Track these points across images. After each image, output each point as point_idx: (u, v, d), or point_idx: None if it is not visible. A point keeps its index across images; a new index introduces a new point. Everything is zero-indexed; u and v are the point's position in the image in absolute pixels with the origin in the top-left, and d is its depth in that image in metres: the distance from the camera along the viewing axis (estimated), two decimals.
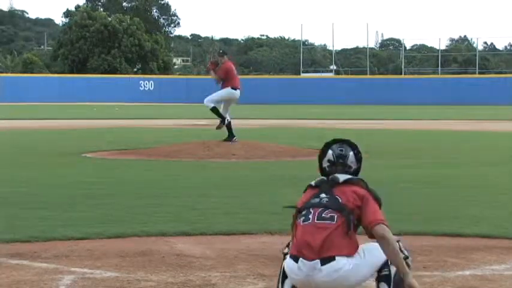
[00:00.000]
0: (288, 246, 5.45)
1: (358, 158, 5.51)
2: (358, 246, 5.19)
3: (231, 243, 8.26)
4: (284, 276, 5.31)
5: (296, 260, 5.15)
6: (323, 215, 5.18)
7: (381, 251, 5.22)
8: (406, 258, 5.32)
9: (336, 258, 5.08)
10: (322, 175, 5.48)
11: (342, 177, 5.36)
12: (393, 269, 5.27)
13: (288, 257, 5.26)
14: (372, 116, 44.50)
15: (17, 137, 25.92)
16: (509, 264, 7.42)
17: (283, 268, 5.31)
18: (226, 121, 19.17)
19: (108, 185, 12.89)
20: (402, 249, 5.34)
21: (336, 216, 5.16)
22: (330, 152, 5.49)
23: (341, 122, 37.67)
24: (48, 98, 70.95)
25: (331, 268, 5.06)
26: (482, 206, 10.80)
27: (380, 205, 5.34)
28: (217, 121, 19.57)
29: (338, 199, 5.23)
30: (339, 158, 5.45)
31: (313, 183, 5.43)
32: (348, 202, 5.22)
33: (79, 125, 34.24)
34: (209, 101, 19.25)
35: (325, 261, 5.07)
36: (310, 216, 5.20)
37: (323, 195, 5.29)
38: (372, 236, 5.25)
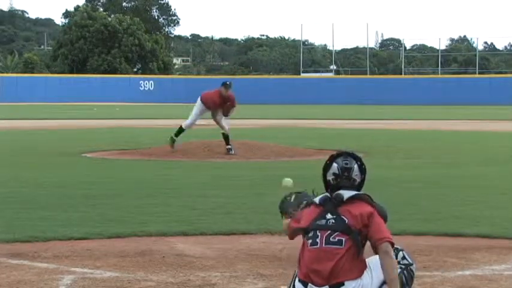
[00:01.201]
0: None
1: (362, 170, 5.49)
2: (366, 265, 5.19)
3: (231, 243, 8.26)
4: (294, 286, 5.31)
5: (305, 285, 5.15)
6: (331, 239, 5.14)
7: None
8: (410, 265, 5.34)
9: (345, 283, 5.09)
10: (326, 188, 5.45)
11: (346, 194, 5.30)
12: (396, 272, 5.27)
13: (297, 278, 5.22)
14: (372, 116, 44.52)
15: (17, 137, 25.92)
16: (509, 264, 7.42)
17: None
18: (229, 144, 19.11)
19: (107, 185, 12.89)
20: (406, 257, 5.37)
21: (344, 240, 5.13)
22: (334, 165, 5.45)
23: (341, 122, 37.68)
24: (48, 98, 70.99)
25: None
26: (482, 206, 10.80)
27: (385, 220, 5.34)
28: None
29: (345, 220, 5.18)
30: (344, 171, 5.41)
31: (316, 201, 5.37)
32: (355, 222, 5.18)
33: (79, 125, 34.25)
34: (228, 125, 19.13)
35: (334, 287, 5.08)
36: (318, 241, 5.16)
37: (329, 215, 5.22)
38: (377, 251, 5.27)
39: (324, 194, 5.38)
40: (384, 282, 5.22)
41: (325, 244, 5.14)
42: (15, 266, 7.17)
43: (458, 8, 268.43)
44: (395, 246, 5.36)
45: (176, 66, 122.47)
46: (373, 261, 5.26)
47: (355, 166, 5.44)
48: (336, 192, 5.32)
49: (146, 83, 79.15)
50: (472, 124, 35.62)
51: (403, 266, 5.34)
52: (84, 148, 20.38)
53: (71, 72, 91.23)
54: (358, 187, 5.41)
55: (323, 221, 5.22)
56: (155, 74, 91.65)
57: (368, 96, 71.23)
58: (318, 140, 23.35)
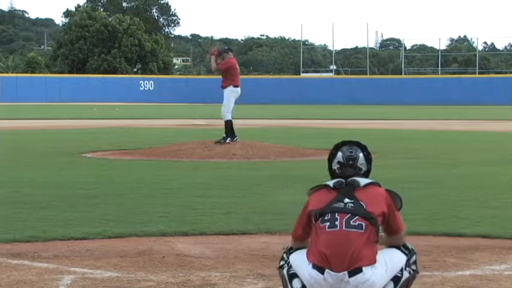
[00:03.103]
0: (283, 258, 5.39)
1: (368, 160, 5.44)
2: (377, 252, 5.18)
3: (231, 243, 8.26)
4: (291, 278, 5.27)
5: (321, 270, 5.06)
6: (351, 223, 5.08)
7: (399, 258, 5.27)
8: (416, 272, 5.33)
9: (363, 269, 5.04)
10: (332, 177, 5.42)
11: (362, 181, 5.27)
12: (405, 274, 5.27)
13: (309, 264, 5.12)
14: (372, 116, 44.52)
15: (17, 137, 25.92)
16: (509, 264, 7.41)
17: (290, 274, 5.27)
18: (229, 140, 19.05)
19: (108, 185, 12.88)
20: (417, 263, 5.37)
21: (364, 225, 5.08)
22: (339, 154, 5.39)
23: (341, 122, 37.68)
24: (48, 98, 71.00)
25: (358, 280, 5.03)
26: (482, 206, 10.79)
27: (402, 204, 5.34)
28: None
29: (363, 205, 5.14)
30: (349, 160, 5.36)
31: (330, 184, 5.30)
32: (374, 209, 5.15)
33: (79, 125, 34.25)
34: (228, 112, 19.11)
35: (352, 273, 5.02)
36: (337, 223, 5.08)
37: (347, 199, 5.16)
38: (389, 234, 5.34)
39: (337, 179, 5.31)
40: (392, 279, 5.21)
41: (346, 227, 5.06)
42: (15, 266, 7.17)
43: (458, 8, 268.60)
44: (411, 247, 5.38)
45: (176, 66, 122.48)
46: (389, 256, 5.24)
47: (361, 155, 5.40)
48: (352, 178, 5.28)
49: (146, 83, 79.16)
50: (471, 124, 35.61)
51: (411, 271, 5.33)
52: (84, 148, 20.37)
53: (71, 72, 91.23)
54: (365, 177, 5.38)
55: (341, 204, 5.15)
56: (155, 74, 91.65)
57: (368, 96, 71.25)
58: (318, 140, 23.34)
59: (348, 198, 5.18)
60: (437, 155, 19.05)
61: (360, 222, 5.08)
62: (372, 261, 5.07)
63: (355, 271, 5.02)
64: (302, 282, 5.23)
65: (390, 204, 5.26)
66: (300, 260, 5.23)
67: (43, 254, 7.67)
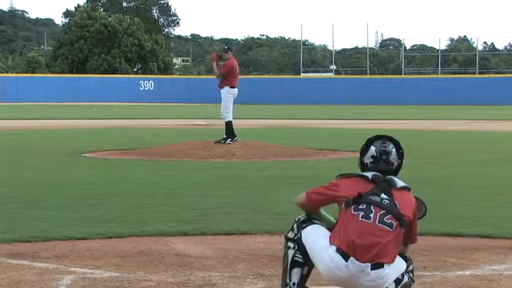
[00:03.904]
0: (293, 229, 5.40)
1: (400, 155, 5.49)
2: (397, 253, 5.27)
3: (231, 243, 8.26)
4: (292, 265, 5.29)
5: (345, 257, 5.10)
6: (384, 219, 5.16)
7: (402, 263, 5.32)
8: (413, 281, 5.38)
9: (384, 265, 5.12)
10: (362, 171, 5.45)
11: (399, 182, 5.35)
12: (405, 278, 5.31)
13: (332, 247, 5.14)
14: (372, 116, 44.52)
15: (17, 137, 25.92)
16: (509, 264, 7.41)
17: (293, 261, 5.30)
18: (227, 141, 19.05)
19: (107, 185, 12.88)
20: (414, 272, 5.42)
21: (395, 225, 5.18)
22: (372, 148, 5.44)
23: (341, 122, 37.69)
24: (48, 98, 71.00)
25: (378, 274, 5.09)
26: (482, 206, 10.79)
27: (424, 215, 5.51)
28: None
29: (397, 205, 5.23)
30: (382, 154, 5.42)
31: (368, 175, 5.34)
32: (406, 212, 5.26)
33: (79, 125, 34.25)
34: (227, 113, 19.09)
35: (375, 266, 5.09)
36: (372, 216, 5.16)
37: (384, 195, 5.24)
38: (403, 241, 5.38)
39: (375, 173, 5.37)
40: (394, 280, 5.23)
41: (379, 222, 5.14)
42: (15, 266, 7.17)
43: (458, 8, 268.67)
44: (409, 256, 5.46)
45: (176, 66, 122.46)
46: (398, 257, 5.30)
47: (393, 150, 5.46)
48: (390, 176, 5.35)
49: (146, 83, 79.20)
50: (472, 124, 35.62)
51: (410, 277, 5.37)
52: (84, 148, 20.37)
53: (71, 72, 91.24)
54: (395, 172, 5.43)
55: (377, 198, 5.22)
56: (155, 74, 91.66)
57: (368, 96, 71.30)
58: (318, 140, 23.34)
59: (385, 194, 5.26)
60: (437, 155, 19.05)
61: (391, 221, 5.18)
62: (392, 261, 5.17)
63: (377, 265, 5.10)
64: (301, 275, 5.30)
65: (415, 213, 5.38)
66: (316, 240, 5.25)
67: (43, 254, 7.66)
